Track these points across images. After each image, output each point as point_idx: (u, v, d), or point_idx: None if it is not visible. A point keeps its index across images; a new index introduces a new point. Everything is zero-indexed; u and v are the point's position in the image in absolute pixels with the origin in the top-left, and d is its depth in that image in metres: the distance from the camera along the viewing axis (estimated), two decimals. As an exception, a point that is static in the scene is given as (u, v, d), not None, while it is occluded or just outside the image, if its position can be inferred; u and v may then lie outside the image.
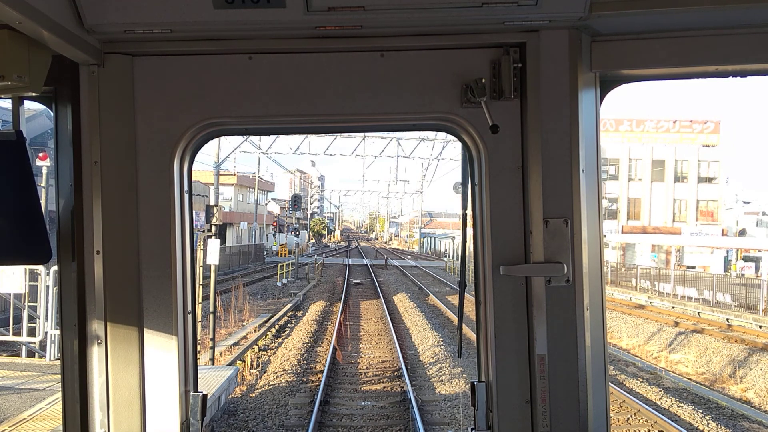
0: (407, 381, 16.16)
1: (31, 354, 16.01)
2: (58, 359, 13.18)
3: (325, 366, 17.79)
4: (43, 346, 15.77)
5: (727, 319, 29.75)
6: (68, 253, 2.57)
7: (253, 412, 14.35)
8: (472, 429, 2.61)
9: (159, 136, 2.54)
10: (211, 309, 19.02)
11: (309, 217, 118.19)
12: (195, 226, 3.31)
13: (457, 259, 55.40)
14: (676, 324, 28.39)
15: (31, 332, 15.81)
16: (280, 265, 45.94)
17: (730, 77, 2.58)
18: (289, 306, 30.04)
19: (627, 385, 17.89)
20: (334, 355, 19.62)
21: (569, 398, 2.50)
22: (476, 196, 2.62)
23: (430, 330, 24.26)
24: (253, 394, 15.91)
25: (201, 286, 20.57)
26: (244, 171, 72.96)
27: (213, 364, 17.64)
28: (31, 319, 15.92)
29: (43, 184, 21.52)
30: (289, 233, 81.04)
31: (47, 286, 15.52)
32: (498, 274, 2.50)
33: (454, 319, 26.97)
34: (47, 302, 15.46)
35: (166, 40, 2.44)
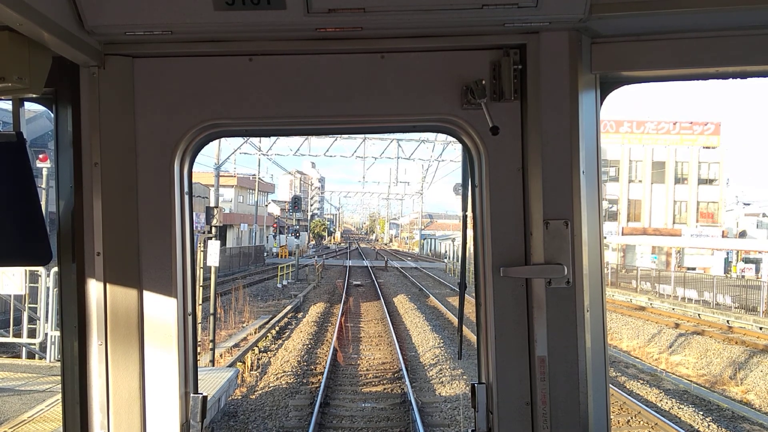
0: (407, 382, 16.16)
1: (31, 355, 16.01)
2: (58, 361, 13.20)
3: (325, 368, 17.78)
4: (43, 347, 15.77)
5: (728, 321, 29.73)
6: (68, 254, 2.57)
7: (254, 413, 14.34)
8: (472, 431, 2.61)
9: (159, 138, 2.54)
10: (212, 310, 19.02)
11: (309, 218, 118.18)
12: (195, 228, 3.31)
13: (458, 261, 55.33)
14: (677, 326, 28.38)
15: (32, 334, 15.81)
16: (280, 266, 45.94)
17: (731, 79, 2.58)
18: (289, 307, 30.03)
19: (627, 387, 17.88)
20: (335, 356, 19.60)
21: (570, 400, 2.49)
22: (476, 198, 2.62)
23: (431, 332, 24.25)
24: (254, 396, 15.90)
25: (201, 288, 20.57)
26: (245, 172, 73.03)
27: (213, 365, 17.64)
28: (32, 320, 15.91)
29: (43, 186, 21.48)
30: (290, 235, 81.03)
31: (47, 288, 15.51)
32: (498, 276, 2.49)
33: (455, 320, 26.95)
34: (47, 304, 15.46)
35: (166, 42, 2.44)
